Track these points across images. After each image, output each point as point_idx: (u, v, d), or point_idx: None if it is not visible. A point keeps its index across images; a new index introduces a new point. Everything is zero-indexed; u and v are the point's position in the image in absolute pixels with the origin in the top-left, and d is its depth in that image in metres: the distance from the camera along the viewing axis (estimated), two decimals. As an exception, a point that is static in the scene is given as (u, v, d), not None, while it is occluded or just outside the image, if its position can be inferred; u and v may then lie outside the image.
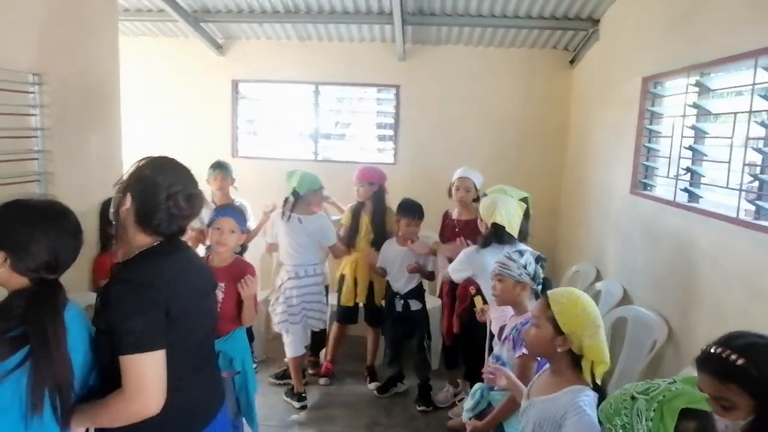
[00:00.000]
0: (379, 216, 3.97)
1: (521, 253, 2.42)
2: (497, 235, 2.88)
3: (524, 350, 2.21)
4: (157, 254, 1.60)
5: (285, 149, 5.57)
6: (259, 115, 5.67)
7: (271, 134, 5.69)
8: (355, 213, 4.07)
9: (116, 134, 3.24)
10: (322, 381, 4.14)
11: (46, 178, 2.64)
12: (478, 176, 3.74)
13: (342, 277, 4.12)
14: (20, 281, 1.49)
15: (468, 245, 3.37)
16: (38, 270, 1.49)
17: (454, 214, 3.78)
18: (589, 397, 1.66)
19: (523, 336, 1.99)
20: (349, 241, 4.05)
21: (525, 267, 2.36)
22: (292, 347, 3.80)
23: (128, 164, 3.27)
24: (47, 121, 2.62)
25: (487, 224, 2.92)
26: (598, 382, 1.69)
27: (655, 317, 2.95)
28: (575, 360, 1.70)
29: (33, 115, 2.58)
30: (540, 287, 2.40)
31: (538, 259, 2.42)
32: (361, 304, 4.10)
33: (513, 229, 2.88)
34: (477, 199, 3.65)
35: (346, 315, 4.16)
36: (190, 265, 1.72)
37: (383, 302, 4.03)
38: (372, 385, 4.10)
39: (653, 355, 2.86)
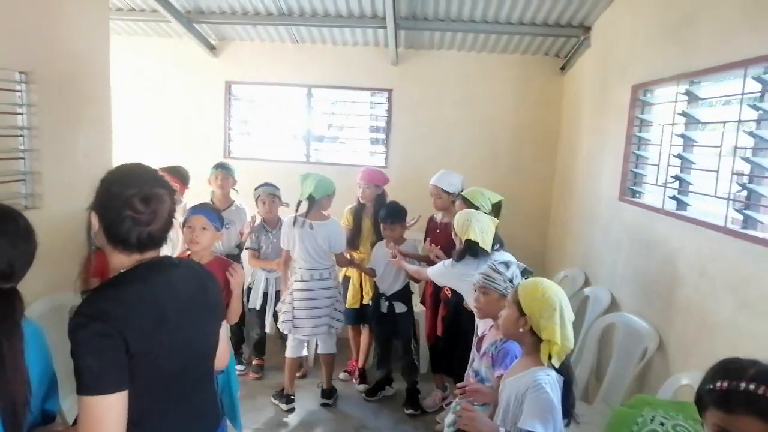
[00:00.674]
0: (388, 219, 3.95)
1: (507, 265, 2.36)
2: (471, 250, 2.93)
3: (502, 370, 2.19)
4: (123, 281, 1.41)
5: (277, 151, 5.55)
6: (252, 117, 5.66)
7: (263, 136, 5.68)
8: (357, 215, 4.08)
9: (106, 134, 3.22)
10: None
11: (32, 177, 2.61)
12: (452, 179, 3.74)
13: (346, 279, 4.12)
14: None
15: (433, 247, 3.49)
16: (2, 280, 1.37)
17: (438, 217, 3.84)
18: (550, 376, 1.80)
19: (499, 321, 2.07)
20: (352, 242, 4.05)
21: (511, 280, 2.29)
22: (292, 348, 3.80)
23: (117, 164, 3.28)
24: (34, 119, 2.60)
25: (461, 239, 2.95)
26: (555, 363, 1.82)
27: (645, 325, 2.95)
28: (539, 343, 1.85)
29: (19, 113, 2.56)
30: None
31: (524, 272, 2.36)
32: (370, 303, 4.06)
33: (486, 244, 2.92)
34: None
35: (352, 317, 4.14)
36: (171, 288, 1.47)
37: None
38: (361, 387, 4.09)
39: (644, 363, 2.85)
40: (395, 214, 3.80)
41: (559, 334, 1.81)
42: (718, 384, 1.23)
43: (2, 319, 1.34)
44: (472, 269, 2.76)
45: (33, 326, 1.48)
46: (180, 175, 3.80)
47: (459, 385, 2.28)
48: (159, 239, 1.48)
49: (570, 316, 1.88)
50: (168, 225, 1.50)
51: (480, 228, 2.92)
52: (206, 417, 1.68)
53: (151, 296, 1.42)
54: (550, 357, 1.81)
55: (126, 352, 1.31)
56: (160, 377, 1.45)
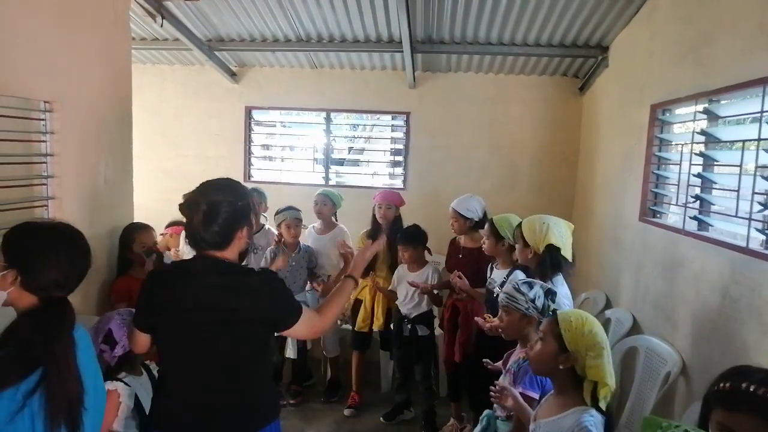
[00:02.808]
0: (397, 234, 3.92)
1: (530, 285, 2.31)
2: (553, 260, 2.57)
3: (521, 389, 2.16)
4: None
5: (297, 175, 5.61)
6: (272, 141, 5.74)
7: (283, 160, 5.75)
8: (373, 237, 4.04)
9: (127, 160, 3.28)
10: (347, 412, 4.07)
11: (53, 203, 2.67)
12: (471, 205, 3.65)
13: (358, 302, 4.10)
14: (29, 300, 1.53)
15: (460, 278, 3.35)
16: (47, 288, 1.53)
17: (461, 241, 3.76)
18: (594, 417, 1.66)
19: (528, 353, 1.96)
20: (369, 265, 4.02)
21: (533, 300, 2.25)
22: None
23: (138, 191, 3.35)
24: (57, 147, 2.66)
25: (538, 249, 2.62)
26: (602, 405, 1.68)
27: (667, 348, 2.87)
28: (578, 380, 1.71)
29: (43, 141, 2.63)
30: None
31: (548, 293, 2.30)
32: (375, 329, 4.06)
33: (567, 252, 2.61)
34: (478, 226, 3.61)
35: (360, 341, 4.13)
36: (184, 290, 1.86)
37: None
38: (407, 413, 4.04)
39: (667, 388, 2.77)
40: (408, 236, 3.77)
41: (608, 374, 1.68)
42: (722, 384, 1.29)
43: (56, 323, 1.51)
44: (564, 287, 2.58)
45: (82, 329, 1.65)
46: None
47: (497, 383, 2.15)
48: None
49: (610, 352, 1.76)
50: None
51: (559, 233, 2.62)
52: (216, 414, 1.81)
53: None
54: (595, 398, 1.68)
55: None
56: (170, 354, 1.83)
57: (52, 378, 1.43)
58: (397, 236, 3.88)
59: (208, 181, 1.88)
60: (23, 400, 1.39)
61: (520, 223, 2.78)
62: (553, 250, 2.58)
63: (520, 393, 2.14)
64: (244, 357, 1.83)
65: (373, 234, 4.08)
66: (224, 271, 1.82)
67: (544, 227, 2.62)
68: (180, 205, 1.83)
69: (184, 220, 1.87)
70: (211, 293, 1.79)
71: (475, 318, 2.93)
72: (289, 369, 4.28)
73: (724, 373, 1.33)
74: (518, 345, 2.42)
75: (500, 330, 2.43)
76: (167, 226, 3.82)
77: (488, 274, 3.35)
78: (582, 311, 1.86)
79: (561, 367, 1.72)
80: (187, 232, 1.86)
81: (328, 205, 4.23)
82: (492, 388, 2.11)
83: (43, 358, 1.44)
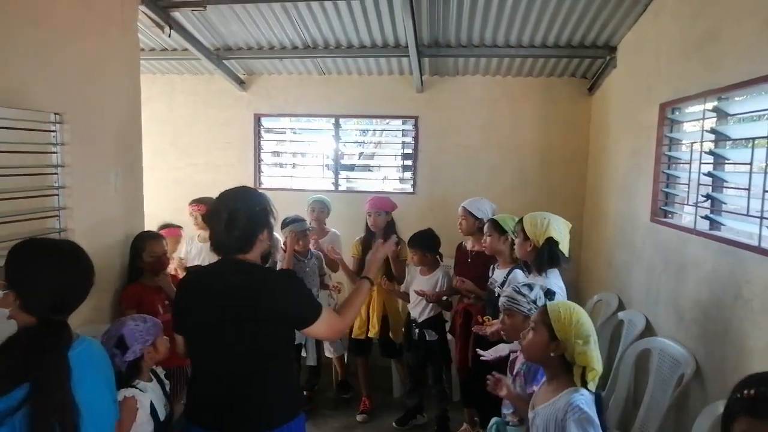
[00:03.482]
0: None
1: (530, 286, 2.34)
2: (551, 253, 2.68)
3: (535, 387, 2.16)
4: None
5: (306, 181, 5.63)
6: (281, 148, 5.76)
7: (293, 166, 5.77)
8: (366, 244, 4.06)
9: (137, 170, 3.32)
10: (359, 418, 4.08)
11: (65, 213, 2.70)
12: (482, 206, 3.66)
13: None
14: (28, 319, 1.53)
15: (461, 282, 3.42)
16: (44, 310, 1.53)
17: (468, 245, 3.75)
18: (585, 395, 1.78)
19: (521, 342, 2.02)
20: (360, 272, 4.02)
21: (535, 302, 2.27)
22: None
23: (149, 200, 3.38)
24: (67, 158, 2.70)
25: (538, 243, 2.71)
26: (591, 388, 1.81)
27: (681, 350, 2.83)
28: (567, 366, 1.83)
29: (53, 152, 2.66)
30: None
31: (547, 293, 2.32)
32: (371, 336, 4.05)
33: (565, 247, 2.72)
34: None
35: (358, 348, 4.13)
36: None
37: (399, 337, 4.01)
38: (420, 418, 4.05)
39: (680, 390, 2.74)
40: (417, 239, 3.78)
41: (596, 359, 1.80)
42: (747, 391, 1.25)
43: (51, 344, 1.48)
44: (558, 279, 2.67)
45: (89, 348, 1.63)
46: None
47: (493, 373, 2.23)
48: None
49: (596, 339, 1.87)
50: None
51: (558, 228, 2.72)
52: (236, 410, 1.88)
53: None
54: (584, 382, 1.80)
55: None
56: (197, 352, 1.97)
57: (38, 397, 1.41)
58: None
59: (225, 191, 2.01)
60: (2, 417, 1.37)
61: (521, 218, 2.85)
62: (552, 243, 2.70)
63: (535, 391, 2.14)
64: (264, 354, 1.91)
65: (365, 241, 4.08)
66: (246, 271, 1.93)
67: (545, 221, 2.74)
68: (204, 215, 1.96)
69: (175, 223, 1.97)
70: (234, 292, 1.88)
71: (473, 328, 3.01)
72: (304, 376, 4.29)
73: (746, 379, 1.30)
74: (518, 349, 2.41)
75: (503, 333, 2.45)
76: (159, 229, 3.85)
77: (490, 275, 3.35)
78: (570, 302, 1.97)
79: (552, 354, 1.84)
80: (212, 240, 1.99)
81: (324, 212, 4.34)
82: (489, 377, 2.19)
83: (32, 375, 1.42)
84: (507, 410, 2.40)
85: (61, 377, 1.46)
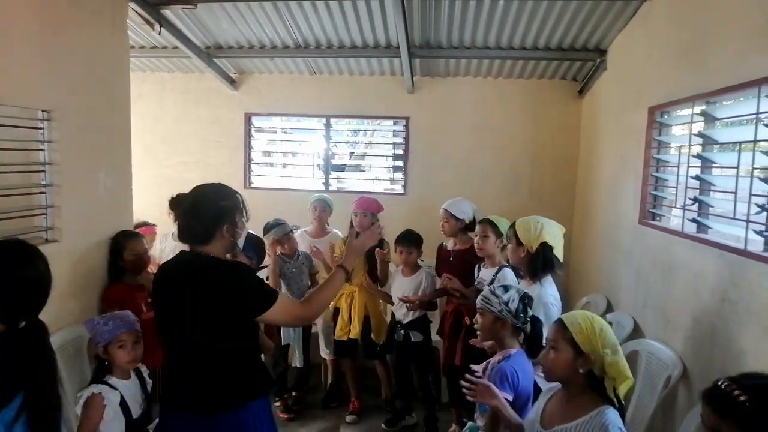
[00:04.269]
0: (375, 247, 3.92)
1: (506, 288, 2.34)
2: (545, 258, 2.62)
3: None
4: None
5: (297, 181, 5.61)
6: (272, 148, 5.75)
7: (284, 166, 5.76)
8: None
9: (126, 168, 3.30)
10: (348, 419, 4.06)
11: (52, 211, 2.68)
12: (464, 207, 3.67)
13: (336, 310, 4.08)
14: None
15: (449, 279, 3.39)
16: (25, 315, 1.46)
17: (449, 245, 3.75)
18: (616, 414, 1.68)
19: (540, 361, 1.94)
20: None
21: (507, 303, 2.27)
22: None
23: (138, 198, 3.37)
24: (55, 156, 2.68)
25: (531, 248, 2.65)
26: (622, 400, 1.70)
27: (669, 352, 2.85)
28: (592, 382, 1.71)
29: (41, 150, 2.64)
30: (526, 326, 2.33)
31: (523, 297, 2.32)
32: (353, 338, 4.00)
33: (559, 251, 2.67)
34: (469, 228, 3.62)
35: (341, 349, 4.11)
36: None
37: (381, 338, 4.00)
38: (408, 419, 4.03)
39: (667, 392, 2.76)
40: (412, 238, 3.78)
41: (628, 368, 1.69)
42: (712, 383, 1.42)
43: (32, 346, 1.45)
44: (552, 287, 2.63)
45: None
46: None
47: (468, 377, 2.11)
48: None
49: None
50: None
51: (552, 232, 2.67)
52: (191, 394, 1.97)
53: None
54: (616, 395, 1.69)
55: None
56: (162, 343, 2.06)
57: (36, 402, 1.38)
58: (377, 243, 3.84)
59: (198, 185, 2.07)
60: (7, 428, 1.34)
61: (513, 223, 2.81)
62: (546, 248, 2.64)
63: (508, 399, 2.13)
64: (212, 344, 1.95)
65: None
66: (198, 263, 1.98)
67: (538, 226, 2.68)
68: (170, 200, 2.09)
69: (150, 221, 2.00)
70: (185, 285, 1.95)
71: (472, 341, 2.86)
72: (293, 376, 4.28)
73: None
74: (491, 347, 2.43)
75: (478, 332, 2.46)
76: (136, 227, 3.84)
77: (476, 274, 3.36)
78: (584, 311, 1.87)
79: (581, 371, 1.71)
80: (177, 228, 2.05)
81: (326, 211, 4.33)
82: (463, 383, 2.07)
83: (31, 380, 1.39)
84: (479, 412, 2.39)
85: (52, 375, 1.47)
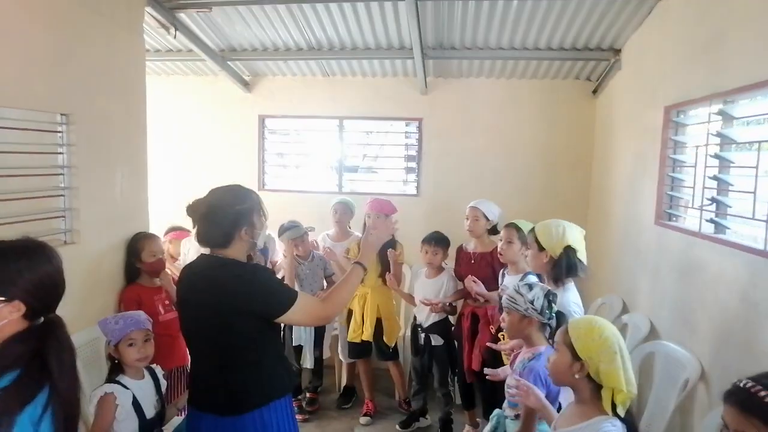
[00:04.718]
0: (388, 248, 3.91)
1: (530, 287, 2.34)
2: (569, 262, 2.53)
3: None
4: None
5: (311, 182, 5.63)
6: (285, 149, 5.77)
7: (297, 167, 5.77)
8: None
9: (142, 171, 3.33)
10: (362, 420, 4.07)
11: (71, 213, 2.71)
12: (493, 208, 3.67)
13: (350, 312, 4.09)
14: (20, 326, 1.43)
15: (474, 282, 3.30)
16: (46, 310, 1.48)
17: (470, 247, 3.73)
18: (617, 427, 1.64)
19: (545, 365, 1.96)
20: None
21: (532, 302, 2.27)
22: None
23: (154, 200, 3.39)
24: (74, 159, 2.71)
25: (555, 253, 2.56)
26: (620, 413, 1.66)
27: (686, 354, 2.83)
28: (598, 389, 1.69)
29: (60, 153, 2.68)
30: (552, 320, 2.32)
31: (547, 294, 2.32)
32: (365, 339, 4.02)
33: (582, 254, 2.58)
34: (493, 231, 3.61)
35: (355, 351, 4.13)
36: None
37: (392, 341, 4.01)
38: (423, 420, 4.04)
39: (686, 394, 2.73)
40: (441, 239, 3.77)
41: (624, 379, 1.65)
42: (733, 384, 1.42)
43: (66, 341, 1.48)
44: (574, 293, 2.58)
45: None
46: None
47: (516, 378, 2.12)
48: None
49: (628, 356, 1.73)
50: None
51: (574, 236, 2.57)
52: (211, 395, 2.02)
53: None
54: (614, 406, 1.66)
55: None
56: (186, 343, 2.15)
57: (60, 392, 1.40)
58: (390, 245, 3.85)
59: (215, 187, 2.09)
60: (35, 423, 1.34)
61: (532, 228, 2.75)
62: (570, 251, 2.55)
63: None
64: (233, 345, 1.98)
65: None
66: (219, 265, 2.00)
67: (560, 230, 2.58)
68: (186, 207, 2.05)
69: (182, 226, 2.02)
70: (206, 287, 1.97)
71: (487, 344, 2.95)
72: (306, 378, 4.30)
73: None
74: (524, 346, 2.42)
75: (504, 331, 2.48)
76: (167, 232, 3.86)
77: (500, 281, 3.34)
78: (594, 317, 1.84)
79: (576, 376, 1.71)
80: (196, 233, 2.06)
81: (347, 214, 4.30)
82: (509, 383, 2.10)
83: (57, 371, 1.40)
84: (507, 404, 2.39)
85: (75, 367, 1.49)
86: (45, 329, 1.46)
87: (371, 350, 4.11)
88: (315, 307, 2.10)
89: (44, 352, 1.41)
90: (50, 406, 1.38)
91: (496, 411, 2.44)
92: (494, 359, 3.18)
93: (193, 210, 2.05)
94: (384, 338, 3.99)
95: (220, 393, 2.00)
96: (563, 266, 2.54)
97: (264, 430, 2.00)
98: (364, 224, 4.02)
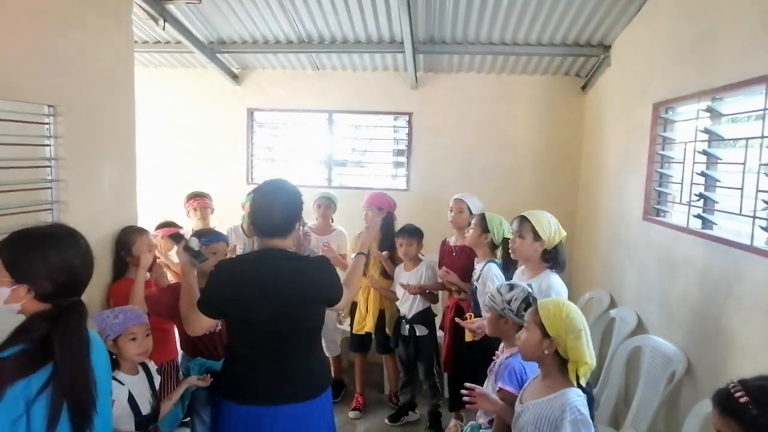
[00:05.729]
0: (388, 242, 3.95)
1: (511, 287, 2.35)
2: (563, 252, 2.72)
3: (500, 384, 2.19)
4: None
5: (299, 176, 5.61)
6: (274, 143, 5.74)
7: (286, 161, 5.75)
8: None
9: (130, 163, 3.29)
10: (351, 414, 4.08)
11: (58, 207, 2.67)
12: (477, 202, 3.71)
13: (354, 305, 4.11)
14: (41, 307, 1.52)
15: (446, 272, 3.45)
16: (60, 294, 1.53)
17: (452, 241, 3.77)
18: (582, 396, 1.81)
19: (517, 342, 2.04)
20: None
21: (509, 303, 2.29)
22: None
23: (142, 193, 3.35)
24: (61, 151, 2.67)
25: (551, 244, 2.68)
26: (582, 382, 1.83)
27: (673, 348, 2.87)
28: (562, 363, 1.84)
29: (47, 145, 2.64)
30: None
31: (527, 298, 2.30)
32: (366, 331, 4.06)
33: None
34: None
35: (358, 343, 4.14)
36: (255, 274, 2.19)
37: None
38: (411, 414, 4.06)
39: (672, 387, 2.77)
40: (413, 230, 3.82)
41: (588, 353, 1.82)
42: (722, 386, 1.44)
43: (73, 323, 1.52)
44: (558, 278, 2.69)
45: (95, 334, 1.70)
46: None
47: (467, 385, 2.18)
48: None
49: (589, 332, 1.88)
50: None
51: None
52: (292, 379, 2.12)
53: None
54: (577, 377, 1.82)
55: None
56: (249, 331, 2.11)
57: (62, 376, 1.44)
58: (390, 237, 3.90)
59: (272, 180, 2.22)
60: (29, 401, 1.38)
61: (523, 216, 2.76)
62: (561, 242, 2.73)
63: (500, 388, 2.20)
64: (312, 328, 2.20)
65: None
66: (291, 257, 2.16)
67: (554, 221, 2.74)
68: (256, 195, 2.17)
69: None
70: (286, 275, 2.09)
71: (456, 319, 3.04)
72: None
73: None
74: (503, 347, 2.44)
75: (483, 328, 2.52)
76: (158, 228, 3.82)
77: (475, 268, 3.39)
78: (560, 298, 2.03)
79: (546, 352, 1.85)
80: (259, 221, 2.15)
81: (331, 208, 4.28)
82: (464, 392, 2.17)
83: (59, 354, 1.44)
84: (480, 413, 2.41)
85: (82, 354, 1.51)
86: (60, 313, 1.51)
87: (371, 344, 4.13)
88: (348, 294, 2.35)
89: (50, 334, 1.45)
90: (48, 388, 1.41)
91: (470, 423, 2.46)
92: (479, 352, 3.21)
93: (266, 200, 2.14)
94: (386, 329, 4.02)
95: (307, 378, 2.16)
96: (562, 255, 2.73)
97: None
98: (366, 217, 4.03)
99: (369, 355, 4.23)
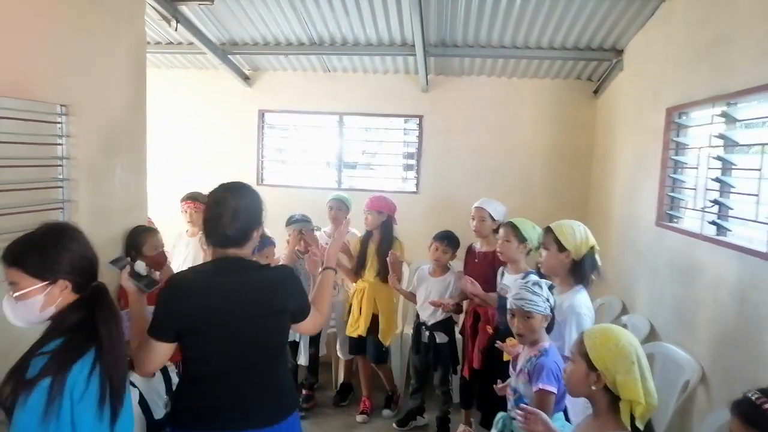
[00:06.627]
0: (386, 245, 3.91)
1: (540, 285, 2.30)
2: (594, 263, 2.51)
3: (540, 385, 2.14)
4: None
5: (310, 178, 5.61)
6: (285, 144, 5.75)
7: (296, 163, 5.75)
8: (364, 242, 4.06)
9: (141, 163, 3.30)
10: (359, 418, 4.06)
11: (69, 206, 2.68)
12: (499, 207, 3.66)
13: (350, 308, 4.10)
14: (72, 298, 1.62)
15: (471, 283, 3.29)
16: (89, 280, 1.66)
17: (477, 246, 3.72)
18: None
19: (563, 375, 1.91)
20: (358, 270, 4.05)
21: (548, 299, 2.25)
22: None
23: (153, 193, 3.36)
24: (73, 150, 2.68)
25: (577, 254, 2.50)
26: (639, 426, 1.59)
27: (686, 356, 2.82)
28: (615, 401, 1.62)
29: (59, 144, 2.65)
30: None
31: (551, 287, 2.29)
32: (357, 335, 4.01)
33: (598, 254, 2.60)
34: (496, 231, 3.60)
35: (354, 347, 4.12)
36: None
37: (387, 340, 4.00)
38: (386, 412, 4.09)
39: (685, 396, 2.73)
40: (452, 239, 3.75)
41: (642, 391, 1.58)
42: (743, 395, 1.39)
43: (109, 307, 1.65)
44: (586, 296, 2.52)
45: None
46: None
47: (521, 406, 1.98)
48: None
49: (647, 366, 1.66)
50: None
51: (593, 238, 2.57)
52: (253, 404, 1.92)
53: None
54: (632, 418, 1.59)
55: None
56: (205, 353, 1.90)
57: (107, 357, 1.54)
58: (388, 242, 3.88)
59: (227, 183, 2.02)
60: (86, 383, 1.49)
61: (548, 228, 2.64)
62: (594, 252, 2.55)
63: (540, 389, 2.14)
64: (276, 344, 2.01)
65: (364, 240, 4.07)
66: (250, 267, 1.97)
67: (582, 229, 2.55)
68: (207, 202, 1.98)
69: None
70: (245, 286, 1.91)
71: (497, 344, 2.76)
72: (302, 374, 4.29)
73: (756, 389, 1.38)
74: (523, 346, 2.40)
75: (520, 335, 2.37)
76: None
77: (499, 279, 3.32)
78: (610, 325, 1.77)
79: (593, 387, 1.64)
80: (210, 229, 1.95)
81: (343, 210, 4.23)
82: (518, 412, 1.94)
83: (105, 336, 1.55)
84: (511, 405, 2.37)
85: (122, 334, 1.65)
86: (93, 300, 1.62)
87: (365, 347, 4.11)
88: (317, 315, 2.14)
89: (94, 320, 1.57)
90: (97, 365, 1.53)
91: (501, 414, 2.39)
92: (494, 358, 3.16)
93: (218, 207, 1.92)
94: (379, 335, 3.95)
95: (273, 400, 1.97)
96: (587, 266, 2.51)
97: (299, 428, 2.08)
98: (365, 220, 4.01)
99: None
